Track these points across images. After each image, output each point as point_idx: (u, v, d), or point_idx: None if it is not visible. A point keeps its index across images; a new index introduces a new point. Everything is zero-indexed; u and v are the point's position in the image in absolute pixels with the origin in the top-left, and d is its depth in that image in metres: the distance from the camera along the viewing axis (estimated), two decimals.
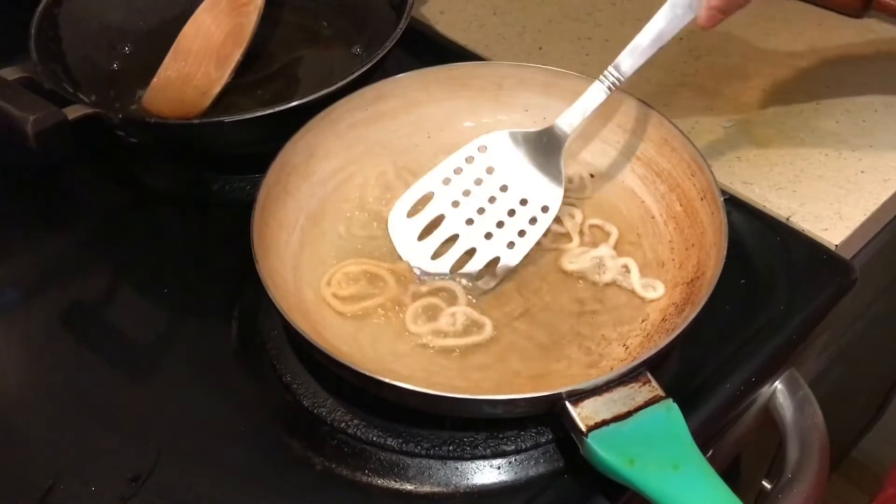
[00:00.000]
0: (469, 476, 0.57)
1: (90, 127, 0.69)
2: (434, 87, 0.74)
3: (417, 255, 0.65)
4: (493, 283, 0.64)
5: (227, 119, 0.71)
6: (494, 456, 0.58)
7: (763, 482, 0.88)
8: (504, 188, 0.67)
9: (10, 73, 0.70)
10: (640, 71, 0.65)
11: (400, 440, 0.58)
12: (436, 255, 0.65)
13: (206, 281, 0.70)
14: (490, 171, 0.67)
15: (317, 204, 0.69)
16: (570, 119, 0.66)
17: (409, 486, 0.56)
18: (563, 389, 0.52)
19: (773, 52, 0.87)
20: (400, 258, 0.66)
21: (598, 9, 0.93)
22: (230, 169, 0.77)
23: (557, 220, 0.68)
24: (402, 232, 0.66)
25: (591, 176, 0.72)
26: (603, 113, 0.71)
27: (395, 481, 0.57)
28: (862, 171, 0.75)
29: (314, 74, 0.84)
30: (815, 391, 0.69)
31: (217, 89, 0.79)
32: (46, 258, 0.73)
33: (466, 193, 0.67)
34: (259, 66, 0.83)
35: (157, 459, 0.58)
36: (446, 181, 0.67)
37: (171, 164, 0.80)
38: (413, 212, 0.67)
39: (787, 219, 0.71)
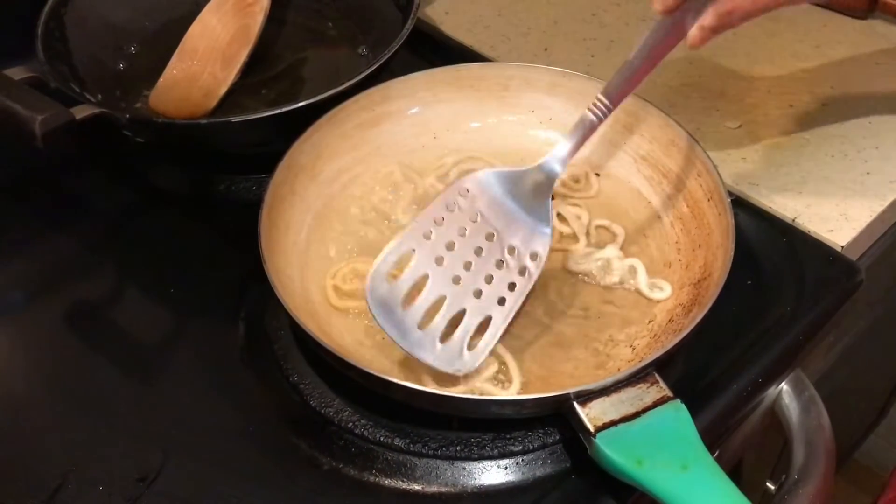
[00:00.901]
0: (476, 476, 0.57)
1: (97, 127, 0.69)
2: (440, 87, 0.74)
3: (403, 331, 0.57)
4: (479, 360, 0.58)
5: (234, 119, 0.71)
6: (502, 456, 0.58)
7: (767, 484, 0.88)
8: (490, 236, 0.60)
9: (17, 73, 0.70)
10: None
11: (407, 440, 0.58)
12: (422, 325, 0.58)
13: (213, 281, 0.70)
14: (474, 218, 0.60)
15: (323, 204, 0.69)
16: (559, 155, 0.61)
17: (416, 487, 0.57)
18: (571, 390, 0.52)
19: (779, 53, 0.88)
20: None
21: (603, 10, 0.93)
22: (236, 169, 0.77)
23: (563, 220, 0.68)
24: (383, 300, 0.57)
25: (597, 175, 0.72)
26: (610, 115, 0.72)
27: (403, 481, 0.57)
28: (868, 173, 0.75)
29: (320, 75, 0.84)
30: (819, 392, 0.69)
31: (223, 89, 0.79)
32: (53, 259, 0.73)
33: (450, 247, 0.59)
34: (265, 66, 0.84)
35: (165, 460, 0.58)
36: (427, 235, 0.59)
37: (177, 164, 0.80)
38: (393, 275, 0.58)
39: (793, 220, 0.71)
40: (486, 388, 0.58)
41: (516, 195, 0.61)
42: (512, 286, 0.60)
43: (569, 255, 0.66)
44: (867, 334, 1.00)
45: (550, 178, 0.61)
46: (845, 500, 1.45)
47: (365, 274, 0.58)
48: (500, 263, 0.60)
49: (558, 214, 0.68)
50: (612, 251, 0.66)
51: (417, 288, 0.58)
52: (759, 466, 0.89)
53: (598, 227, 0.68)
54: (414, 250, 0.58)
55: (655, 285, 0.64)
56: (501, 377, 0.59)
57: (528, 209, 0.61)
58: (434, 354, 0.57)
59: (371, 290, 0.56)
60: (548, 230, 0.61)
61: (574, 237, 0.68)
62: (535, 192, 0.61)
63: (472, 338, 0.58)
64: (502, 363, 0.60)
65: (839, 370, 0.97)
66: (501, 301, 0.59)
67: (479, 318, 0.59)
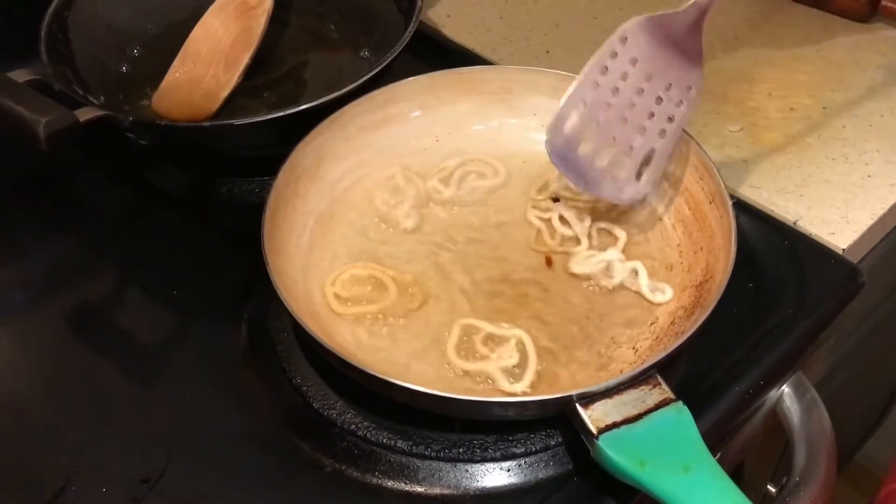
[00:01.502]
0: (479, 478, 0.57)
1: (100, 129, 0.69)
2: (442, 90, 0.74)
3: (579, 173, 0.65)
4: (648, 188, 0.66)
5: (236, 122, 0.71)
6: (504, 458, 0.58)
7: (768, 486, 0.88)
8: (649, 77, 0.65)
9: (21, 76, 0.71)
10: None
11: (410, 442, 0.58)
12: (596, 164, 0.65)
13: (216, 283, 0.70)
14: (634, 62, 0.65)
15: (326, 207, 0.70)
16: None
17: (419, 489, 0.57)
18: (573, 392, 0.52)
19: (780, 56, 0.88)
20: (405, 268, 0.66)
21: (604, 12, 0.94)
22: (239, 171, 0.77)
23: (565, 222, 0.68)
24: (561, 151, 0.64)
25: None
26: None
27: (405, 483, 0.57)
28: (869, 176, 0.75)
29: (322, 78, 0.84)
30: (820, 395, 0.69)
31: (226, 92, 0.79)
32: (56, 260, 0.73)
33: (615, 92, 0.64)
34: (267, 69, 0.84)
35: (168, 461, 0.58)
36: (595, 84, 0.64)
37: (179, 166, 0.80)
38: (573, 136, 0.64)
39: (795, 223, 0.72)
40: (497, 377, 0.59)
41: (670, 36, 0.64)
42: (671, 118, 0.65)
43: (571, 257, 0.67)
44: (868, 337, 1.00)
45: (701, 14, 0.63)
46: (846, 501, 1.45)
47: (363, 279, 0.63)
48: (658, 100, 0.65)
49: (560, 217, 0.69)
50: (613, 254, 0.66)
51: (590, 134, 0.64)
52: (760, 469, 0.89)
53: (599, 229, 0.69)
54: (585, 102, 0.64)
55: (657, 288, 0.64)
56: (517, 371, 0.59)
57: (682, 48, 0.65)
58: (608, 188, 0.65)
59: (550, 143, 0.64)
60: (699, 65, 0.65)
61: (576, 239, 0.68)
62: (689, 32, 0.64)
63: (641, 168, 0.65)
64: (523, 357, 0.60)
65: (840, 373, 0.97)
66: (662, 133, 0.65)
67: (645, 151, 0.65)
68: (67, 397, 0.62)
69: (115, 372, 0.64)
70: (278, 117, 0.69)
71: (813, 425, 0.67)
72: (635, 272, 0.65)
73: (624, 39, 0.64)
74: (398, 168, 0.73)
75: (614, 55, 0.64)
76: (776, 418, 0.70)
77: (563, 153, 0.64)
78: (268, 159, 0.68)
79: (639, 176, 0.65)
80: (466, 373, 0.60)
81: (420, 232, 0.69)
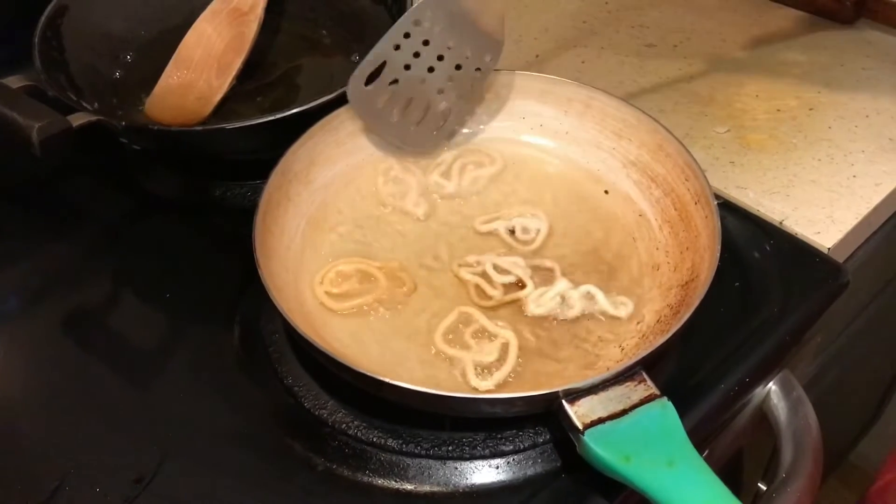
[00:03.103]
0: (468, 476, 0.58)
1: (93, 134, 0.70)
2: None
3: (384, 125, 0.71)
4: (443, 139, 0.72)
5: (229, 126, 0.72)
6: (493, 456, 0.58)
7: (759, 484, 0.89)
8: (450, 47, 0.70)
9: (15, 82, 0.71)
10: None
11: (400, 441, 0.59)
12: (398, 117, 0.71)
13: (208, 286, 0.71)
14: (436, 30, 0.69)
15: (317, 209, 0.70)
16: None
17: (409, 486, 0.57)
18: (559, 388, 0.53)
19: (767, 58, 0.89)
20: (392, 257, 0.68)
21: (594, 17, 0.95)
22: (231, 175, 0.78)
23: (503, 271, 0.66)
24: (364, 103, 0.70)
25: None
26: (599, 120, 0.73)
27: (396, 481, 0.57)
28: (854, 176, 0.76)
29: (314, 82, 0.85)
30: (810, 394, 0.70)
31: (218, 97, 0.80)
32: (49, 264, 0.74)
33: (417, 55, 0.69)
34: (259, 74, 0.85)
35: (161, 461, 0.58)
36: (396, 46, 0.69)
37: (172, 170, 0.81)
38: (369, 80, 0.69)
39: (781, 223, 0.72)
40: (468, 370, 0.59)
41: (471, 12, 0.69)
42: (471, 83, 0.71)
43: (525, 302, 0.64)
44: (856, 337, 1.01)
45: None
46: (840, 501, 1.46)
47: (349, 274, 0.65)
48: (458, 67, 0.70)
49: (495, 266, 0.66)
50: (562, 284, 0.64)
51: (391, 92, 0.70)
52: (753, 468, 0.90)
53: (535, 267, 0.67)
54: (385, 62, 0.69)
55: (619, 302, 0.63)
56: (491, 369, 0.60)
57: (481, 21, 0.69)
58: (410, 138, 0.72)
59: (351, 94, 0.69)
60: (500, 39, 0.70)
61: (519, 284, 0.66)
62: (487, 9, 0.69)
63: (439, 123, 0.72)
64: (502, 357, 0.60)
65: (830, 372, 0.98)
66: (460, 96, 0.71)
67: (441, 107, 0.71)
68: (61, 398, 0.63)
69: (109, 373, 0.65)
70: (270, 121, 0.70)
71: (799, 422, 0.68)
72: (591, 295, 0.64)
73: (427, 6, 0.68)
74: (394, 160, 0.73)
75: (418, 22, 0.69)
76: (764, 416, 0.70)
77: (365, 106, 0.70)
78: (260, 163, 0.68)
79: (436, 130, 0.72)
80: (444, 357, 0.61)
81: (423, 223, 0.71)
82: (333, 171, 0.72)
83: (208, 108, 0.80)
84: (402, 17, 0.68)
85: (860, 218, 0.73)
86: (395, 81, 0.70)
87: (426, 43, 0.69)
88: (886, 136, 0.80)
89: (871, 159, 0.77)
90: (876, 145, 0.79)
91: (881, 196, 0.74)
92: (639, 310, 0.64)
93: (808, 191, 0.75)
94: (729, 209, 0.73)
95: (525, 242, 0.69)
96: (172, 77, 0.80)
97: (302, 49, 0.89)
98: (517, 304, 0.65)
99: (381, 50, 0.68)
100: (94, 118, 0.69)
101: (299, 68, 0.87)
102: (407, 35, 0.68)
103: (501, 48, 0.70)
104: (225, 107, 0.81)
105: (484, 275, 0.66)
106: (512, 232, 0.70)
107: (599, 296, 0.64)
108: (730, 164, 0.77)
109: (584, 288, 0.64)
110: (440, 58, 0.70)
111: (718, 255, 0.60)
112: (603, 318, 0.63)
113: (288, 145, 0.69)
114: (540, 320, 0.64)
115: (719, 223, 0.62)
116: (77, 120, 0.68)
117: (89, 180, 0.80)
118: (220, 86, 0.80)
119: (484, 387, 0.59)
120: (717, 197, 0.65)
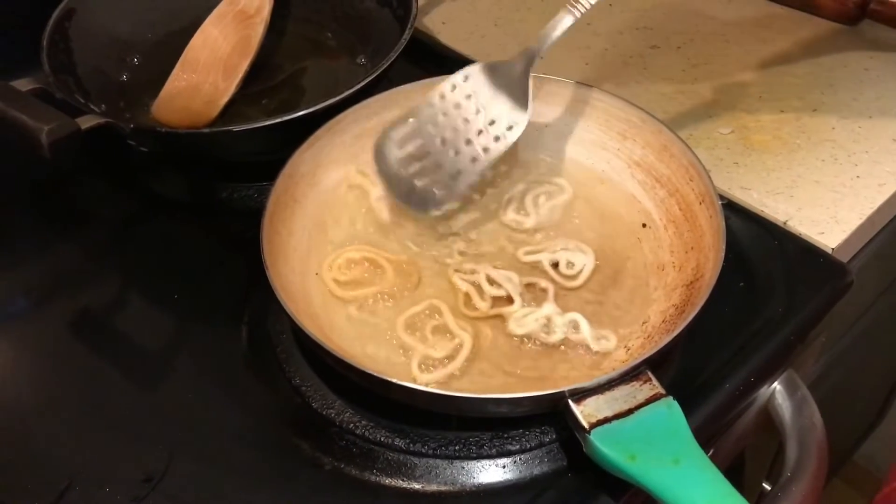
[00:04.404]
0: (475, 475, 0.58)
1: (101, 137, 0.70)
2: None
3: (392, 182, 0.70)
4: (447, 203, 0.70)
5: (235, 128, 0.72)
6: (500, 455, 0.59)
7: (763, 484, 0.89)
8: (477, 111, 0.70)
9: (24, 85, 0.72)
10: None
11: (407, 440, 0.59)
12: (409, 175, 0.70)
13: (216, 287, 0.71)
14: (468, 97, 0.70)
15: (324, 210, 0.71)
16: (539, 46, 0.68)
17: (416, 486, 0.58)
18: (566, 388, 0.53)
19: (770, 59, 0.89)
20: (400, 250, 0.69)
21: (598, 19, 0.95)
22: (238, 177, 0.78)
23: (495, 283, 0.66)
24: (384, 160, 0.70)
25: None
26: (604, 121, 0.73)
27: (403, 480, 0.58)
28: (858, 176, 0.76)
29: (319, 84, 0.86)
30: (815, 394, 0.70)
31: (225, 99, 0.80)
32: (58, 266, 0.74)
33: (445, 115, 0.70)
34: (265, 76, 0.85)
35: (170, 461, 0.59)
36: (430, 106, 0.70)
37: (180, 172, 0.81)
38: (400, 142, 0.70)
39: (785, 223, 0.73)
40: (414, 363, 0.61)
41: (503, 80, 0.69)
42: (486, 150, 0.69)
43: (509, 319, 0.64)
44: (860, 337, 1.01)
45: (530, 62, 0.69)
46: (845, 501, 1.46)
47: (357, 260, 0.66)
48: (479, 132, 0.69)
49: (488, 278, 0.66)
50: (549, 308, 0.63)
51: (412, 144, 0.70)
52: (758, 468, 0.90)
53: (527, 285, 0.66)
54: (419, 118, 0.70)
55: (601, 336, 0.62)
56: (435, 364, 0.61)
57: (511, 91, 0.69)
58: (411, 198, 0.70)
59: (378, 144, 0.70)
60: (526, 108, 0.69)
61: (508, 299, 0.65)
62: (518, 78, 0.69)
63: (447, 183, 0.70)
64: (451, 356, 0.61)
65: (835, 372, 0.98)
66: (473, 160, 0.69)
67: (452, 171, 0.70)
68: (70, 399, 0.64)
69: (118, 374, 0.65)
70: (276, 123, 0.71)
71: (804, 422, 0.68)
72: (576, 324, 0.62)
73: (466, 77, 0.70)
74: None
75: (454, 88, 0.70)
76: (769, 415, 0.71)
77: (384, 152, 0.70)
78: (267, 165, 0.69)
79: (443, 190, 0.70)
80: (400, 345, 0.62)
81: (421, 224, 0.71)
82: (340, 174, 0.73)
83: (215, 111, 0.80)
84: (450, 77, 0.70)
85: (864, 218, 0.73)
86: (420, 137, 0.70)
87: (457, 107, 0.70)
88: (890, 136, 0.80)
89: (874, 160, 0.78)
90: (879, 146, 0.79)
91: (885, 196, 0.75)
92: (640, 315, 0.64)
93: (811, 191, 0.75)
94: (733, 209, 0.73)
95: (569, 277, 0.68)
96: (179, 79, 0.80)
97: (307, 51, 0.89)
98: (499, 321, 0.64)
99: (422, 104, 0.70)
100: (102, 120, 0.70)
101: (304, 70, 0.87)
102: (443, 96, 0.70)
103: (525, 120, 0.69)
104: (231, 109, 0.81)
105: (476, 285, 0.66)
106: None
107: (584, 326, 0.62)
108: (734, 165, 0.78)
109: (571, 315, 0.63)
110: (466, 121, 0.70)
111: (723, 254, 0.60)
112: (581, 351, 0.62)
113: (294, 147, 0.69)
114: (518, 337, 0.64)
115: (724, 223, 0.62)
116: (85, 122, 0.69)
117: (97, 182, 0.81)
118: (227, 88, 0.81)
119: (424, 380, 0.60)
120: (721, 197, 0.65)
